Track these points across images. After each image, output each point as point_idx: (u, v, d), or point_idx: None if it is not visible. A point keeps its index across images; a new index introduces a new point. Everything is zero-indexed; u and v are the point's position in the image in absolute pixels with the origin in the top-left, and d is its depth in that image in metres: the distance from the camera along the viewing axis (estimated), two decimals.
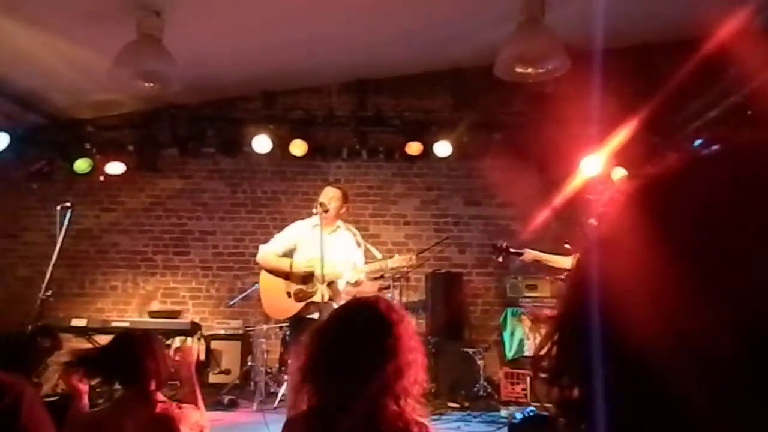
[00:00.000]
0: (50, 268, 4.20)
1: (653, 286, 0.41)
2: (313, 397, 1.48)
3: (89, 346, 5.37)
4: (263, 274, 4.41)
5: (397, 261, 4.30)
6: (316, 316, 4.01)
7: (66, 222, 4.33)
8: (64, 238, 4.34)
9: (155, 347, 2.21)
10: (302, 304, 4.17)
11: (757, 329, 0.37)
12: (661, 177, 0.46)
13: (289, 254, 4.33)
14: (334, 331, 1.53)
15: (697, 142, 6.00)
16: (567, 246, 4.85)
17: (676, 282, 0.40)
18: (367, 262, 4.34)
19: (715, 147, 0.45)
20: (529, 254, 4.86)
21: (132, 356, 2.12)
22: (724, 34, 4.41)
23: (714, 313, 0.38)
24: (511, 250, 5.04)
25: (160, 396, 2.15)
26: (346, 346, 1.46)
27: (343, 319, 1.57)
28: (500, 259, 5.21)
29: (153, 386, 2.13)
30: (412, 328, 1.54)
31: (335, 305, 4.15)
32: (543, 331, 5.70)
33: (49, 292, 4.21)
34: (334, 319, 1.59)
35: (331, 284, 4.13)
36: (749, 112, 4.87)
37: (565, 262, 4.66)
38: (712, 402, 0.38)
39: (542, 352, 0.49)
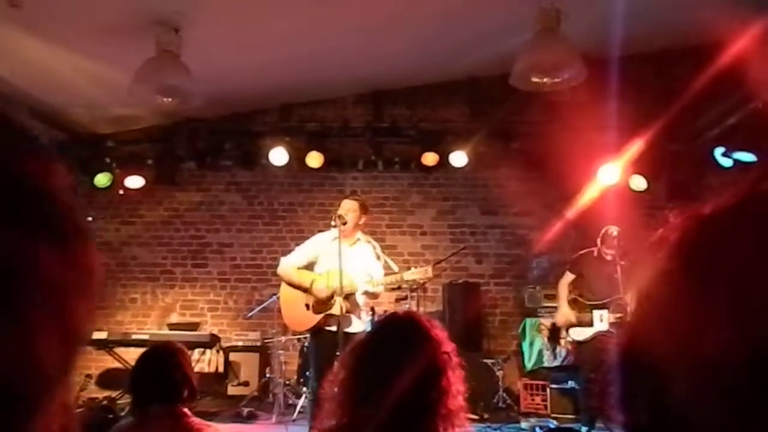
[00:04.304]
0: None
1: (689, 338, 0.42)
2: (343, 415, 1.40)
3: (110, 358, 5.42)
4: (283, 286, 4.44)
5: (413, 274, 4.29)
6: (334, 328, 4.05)
7: None
8: None
9: (182, 359, 2.13)
10: (320, 316, 4.19)
11: None
12: (704, 223, 0.46)
13: (309, 267, 4.36)
14: (373, 348, 1.46)
15: (718, 150, 5.93)
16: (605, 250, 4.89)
17: (713, 340, 0.41)
18: (384, 275, 4.35)
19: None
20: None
21: (161, 371, 2.05)
22: (742, 39, 4.37)
23: (744, 366, 0.39)
24: None
25: (187, 411, 2.05)
26: (385, 364, 1.39)
27: (384, 335, 1.51)
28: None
29: (182, 399, 2.05)
30: (450, 345, 1.48)
31: (353, 317, 4.18)
32: (562, 342, 5.65)
33: None
34: (374, 335, 1.53)
35: (348, 297, 4.15)
36: None
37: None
38: None
39: (607, 381, 0.52)
